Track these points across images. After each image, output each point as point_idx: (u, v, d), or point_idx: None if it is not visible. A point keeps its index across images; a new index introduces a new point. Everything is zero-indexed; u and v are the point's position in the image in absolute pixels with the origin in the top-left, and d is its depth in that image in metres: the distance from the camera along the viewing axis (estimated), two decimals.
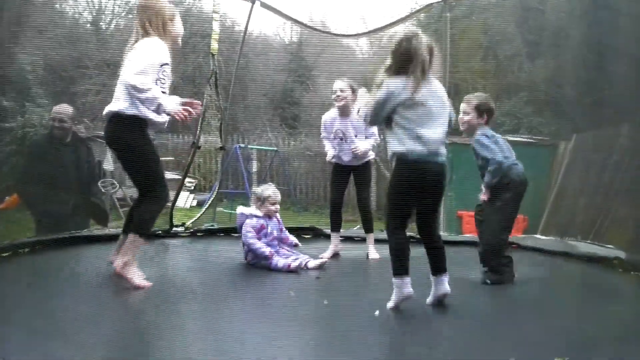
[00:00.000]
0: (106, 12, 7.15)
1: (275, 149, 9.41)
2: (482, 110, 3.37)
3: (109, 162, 6.96)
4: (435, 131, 2.68)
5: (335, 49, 6.73)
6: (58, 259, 3.92)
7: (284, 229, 4.03)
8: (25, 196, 4.75)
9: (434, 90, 2.74)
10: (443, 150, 2.74)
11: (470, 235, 5.11)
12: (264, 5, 5.69)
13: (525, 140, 6.82)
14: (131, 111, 2.77)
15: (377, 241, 4.16)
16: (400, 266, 2.70)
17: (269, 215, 3.91)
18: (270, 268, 3.64)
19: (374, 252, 4.17)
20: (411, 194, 2.69)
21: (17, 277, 3.43)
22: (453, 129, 3.03)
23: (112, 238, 4.55)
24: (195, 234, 5.18)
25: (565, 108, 6.19)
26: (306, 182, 10.00)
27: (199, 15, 7.35)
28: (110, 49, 6.36)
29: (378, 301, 2.78)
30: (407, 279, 2.69)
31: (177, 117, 2.80)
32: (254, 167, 9.36)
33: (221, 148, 5.99)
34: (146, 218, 2.83)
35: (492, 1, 6.34)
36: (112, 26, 7.32)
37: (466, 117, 3.39)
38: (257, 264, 3.71)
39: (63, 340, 2.32)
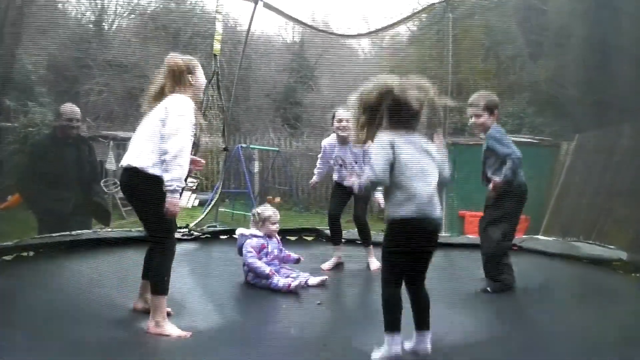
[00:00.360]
0: (109, 12, 7.16)
1: (277, 149, 9.43)
2: (491, 108, 3.38)
3: (111, 162, 6.99)
4: (428, 185, 2.49)
5: (337, 49, 6.75)
6: (60, 259, 3.94)
7: (284, 249, 4.02)
8: (26, 195, 4.77)
9: (418, 143, 2.52)
10: (438, 203, 2.55)
11: (472, 236, 5.10)
12: (266, 5, 5.70)
13: (528, 140, 6.82)
14: (154, 171, 2.75)
15: (375, 244, 4.07)
16: (392, 321, 2.56)
17: (269, 235, 3.90)
18: (270, 288, 3.60)
19: (375, 263, 4.18)
20: (407, 253, 2.55)
21: (19, 277, 3.45)
22: (454, 130, 3.00)
23: (115, 241, 4.56)
24: (198, 238, 5.17)
25: (567, 108, 6.18)
26: (308, 182, 9.97)
27: (201, 16, 7.36)
28: (113, 49, 6.38)
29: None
30: (398, 337, 2.55)
31: (169, 210, 2.76)
32: (256, 167, 9.38)
33: (224, 149, 6.00)
34: (162, 276, 2.82)
35: (494, 1, 6.33)
36: (115, 26, 7.34)
37: (480, 120, 3.38)
38: (257, 283, 3.70)
39: (64, 341, 2.34)
